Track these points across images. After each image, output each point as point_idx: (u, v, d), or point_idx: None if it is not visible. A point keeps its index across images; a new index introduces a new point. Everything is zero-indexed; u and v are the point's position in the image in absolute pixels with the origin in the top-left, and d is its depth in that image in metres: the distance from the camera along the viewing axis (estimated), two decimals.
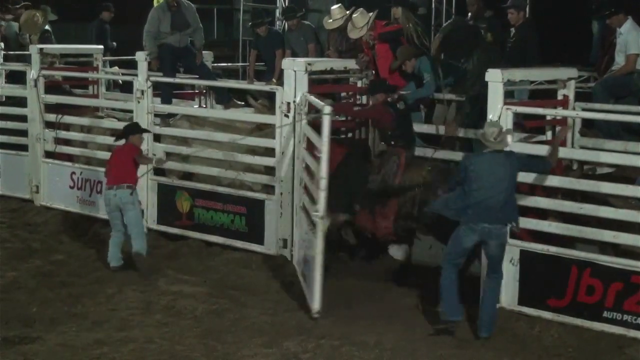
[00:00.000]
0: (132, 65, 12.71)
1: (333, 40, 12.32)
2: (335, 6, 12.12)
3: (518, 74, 9.50)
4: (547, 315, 8.27)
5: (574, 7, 14.81)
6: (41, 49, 13.28)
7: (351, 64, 11.13)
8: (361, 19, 11.15)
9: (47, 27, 15.80)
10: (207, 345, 8.07)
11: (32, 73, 13.01)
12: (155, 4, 14.30)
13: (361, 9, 11.27)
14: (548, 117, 9.62)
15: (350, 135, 11.21)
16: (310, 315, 8.74)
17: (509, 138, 8.42)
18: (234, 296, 9.38)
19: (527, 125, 9.53)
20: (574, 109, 9.73)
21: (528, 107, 9.58)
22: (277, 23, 17.15)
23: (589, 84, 12.25)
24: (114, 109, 13.17)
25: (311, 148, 9.68)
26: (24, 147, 13.26)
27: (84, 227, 11.96)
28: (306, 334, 8.32)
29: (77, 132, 12.89)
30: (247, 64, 14.83)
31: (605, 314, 8.40)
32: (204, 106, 13.15)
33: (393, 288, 9.68)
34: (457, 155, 10.39)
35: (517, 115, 9.01)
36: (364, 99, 11.11)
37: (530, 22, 11.86)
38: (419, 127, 10.94)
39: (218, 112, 12.10)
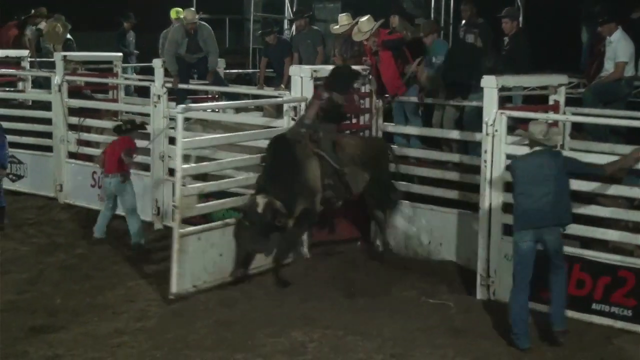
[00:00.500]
0: (151, 71, 12.73)
1: (338, 47, 12.34)
2: (342, 14, 12.19)
3: (511, 81, 9.52)
4: (540, 307, 8.25)
5: (565, 16, 14.78)
6: (64, 56, 13.30)
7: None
8: (367, 24, 11.18)
9: (68, 36, 15.85)
10: (219, 335, 8.07)
11: (56, 79, 13.03)
12: (172, 16, 14.31)
13: (369, 15, 11.28)
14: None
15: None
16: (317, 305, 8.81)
17: (558, 135, 8.30)
18: (243, 288, 9.37)
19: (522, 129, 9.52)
20: (564, 113, 9.72)
21: (521, 111, 9.59)
22: (285, 32, 17.15)
23: (578, 89, 12.24)
24: (132, 113, 13.19)
25: None
26: (48, 149, 13.27)
27: None
28: (312, 324, 8.32)
29: (97, 134, 12.92)
30: (258, 70, 14.84)
31: (594, 306, 8.42)
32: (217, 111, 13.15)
33: (393, 281, 9.64)
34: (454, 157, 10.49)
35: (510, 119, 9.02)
36: (367, 102, 11.12)
37: (522, 31, 11.85)
38: (418, 130, 10.99)
39: (229, 117, 12.10)
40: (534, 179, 7.73)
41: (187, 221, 9.29)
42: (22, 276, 9.71)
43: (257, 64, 16.91)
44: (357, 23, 11.49)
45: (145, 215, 11.46)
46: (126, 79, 14.48)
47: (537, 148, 7.88)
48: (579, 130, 10.51)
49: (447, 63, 10.77)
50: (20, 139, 13.37)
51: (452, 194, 10.23)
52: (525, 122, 8.44)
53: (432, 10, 15.85)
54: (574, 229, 8.31)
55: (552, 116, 9.34)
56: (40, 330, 8.12)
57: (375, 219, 10.62)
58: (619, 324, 8.26)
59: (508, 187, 8.68)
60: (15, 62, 15.43)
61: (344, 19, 12.07)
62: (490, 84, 9.02)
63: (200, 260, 9.26)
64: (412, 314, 8.71)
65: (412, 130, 11.03)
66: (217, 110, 12.17)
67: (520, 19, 13.59)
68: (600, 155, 8.83)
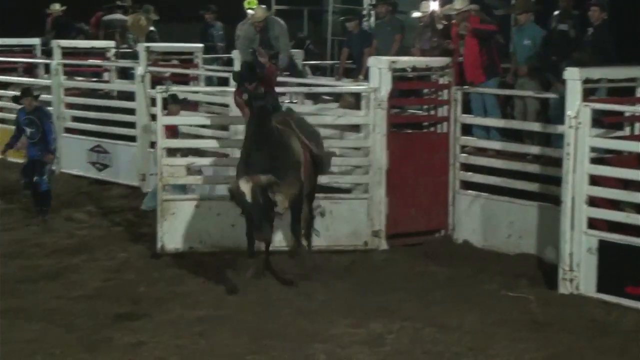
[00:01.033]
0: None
1: (418, 39, 12.22)
2: (424, 1, 12.11)
3: (596, 73, 9.23)
4: (625, 302, 8.01)
5: None
6: (147, 47, 13.41)
7: (433, 62, 10.96)
8: (461, 2, 10.99)
9: (151, 27, 15.97)
10: (298, 325, 8.03)
11: (139, 69, 13.13)
12: (245, 5, 14.28)
13: None
14: (627, 114, 9.32)
15: (432, 129, 11.05)
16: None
17: None
18: (322, 279, 9.31)
19: (605, 121, 9.26)
20: None
21: (606, 103, 9.32)
22: (364, 24, 17.01)
23: None
24: (212, 103, 13.22)
25: None
26: (132, 138, 13.40)
27: None
28: (390, 316, 8.22)
29: None
30: (335, 62, 14.77)
31: None
32: (295, 102, 13.10)
33: (473, 274, 9.50)
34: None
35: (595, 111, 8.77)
36: (445, 93, 10.93)
37: (608, 22, 11.50)
38: (498, 122, 10.78)
39: (308, 108, 12.04)
40: None
41: None
42: (108, 264, 9.84)
43: (335, 55, 16.83)
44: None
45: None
46: (207, 69, 14.51)
47: None
48: None
49: (537, 49, 10.51)
50: (105, 129, 13.54)
51: (532, 187, 9.98)
52: (610, 114, 8.20)
53: None
54: None
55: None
56: (125, 317, 8.19)
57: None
58: None
59: (592, 180, 8.46)
60: (100, 53, 15.65)
61: (424, 5, 12.02)
62: (573, 76, 8.77)
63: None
64: (492, 307, 8.53)
65: (491, 122, 10.82)
66: None
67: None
68: None
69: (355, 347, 7.56)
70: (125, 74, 15.06)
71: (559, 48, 10.52)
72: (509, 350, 7.50)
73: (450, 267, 9.72)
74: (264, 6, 13.30)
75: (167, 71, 13.91)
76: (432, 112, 11.06)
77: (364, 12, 16.33)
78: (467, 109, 10.94)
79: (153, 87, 13.06)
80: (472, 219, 10.49)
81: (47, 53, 15.40)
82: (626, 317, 8.07)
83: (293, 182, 8.86)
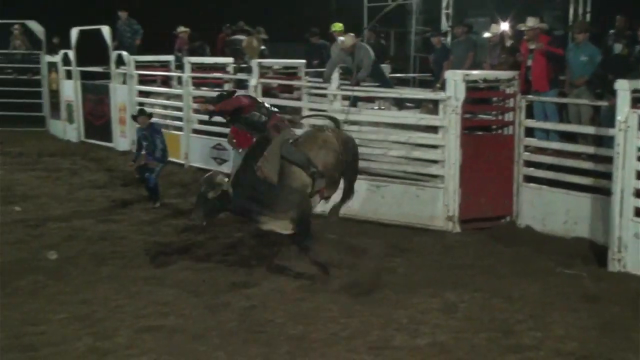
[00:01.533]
0: None
1: (488, 56, 12.19)
2: (494, 24, 12.10)
3: None
4: None
5: None
6: (259, 63, 13.67)
7: (501, 75, 10.91)
8: (532, 20, 10.91)
9: (262, 47, 16.27)
10: (382, 294, 8.11)
11: (252, 81, 13.41)
12: (336, 29, 14.40)
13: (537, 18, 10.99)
14: None
15: (499, 132, 10.99)
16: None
17: None
18: (404, 256, 9.37)
19: None
20: None
21: None
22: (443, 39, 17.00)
23: None
24: (313, 109, 13.34)
25: None
26: None
27: None
28: (463, 287, 8.24)
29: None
30: (417, 74, 14.80)
31: None
32: (383, 108, 13.17)
33: (534, 254, 9.43)
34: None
35: None
36: (511, 102, 10.85)
37: None
38: (556, 126, 10.67)
39: (393, 114, 12.08)
40: None
41: None
42: (226, 241, 10.00)
43: (416, 69, 16.84)
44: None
45: None
46: (308, 82, 14.66)
47: None
48: None
49: (595, 68, 10.39)
50: (224, 130, 13.76)
51: (586, 181, 9.85)
52: None
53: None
54: None
55: None
56: (240, 285, 8.35)
57: None
58: None
59: (639, 175, 8.39)
60: (221, 68, 16.03)
61: (494, 28, 11.98)
62: (623, 87, 8.74)
63: None
64: (550, 282, 8.48)
65: (550, 125, 10.72)
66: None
67: None
68: None
69: (432, 313, 7.62)
70: (242, 85, 15.35)
71: (616, 68, 10.35)
72: (564, 319, 7.47)
73: (514, 248, 9.66)
74: (352, 34, 13.33)
75: (275, 82, 14.14)
76: (500, 117, 10.99)
77: (443, 31, 16.33)
78: (529, 114, 10.88)
79: (264, 95, 13.38)
80: (534, 207, 10.38)
81: (180, 67, 15.83)
82: None
83: (285, 210, 8.39)
